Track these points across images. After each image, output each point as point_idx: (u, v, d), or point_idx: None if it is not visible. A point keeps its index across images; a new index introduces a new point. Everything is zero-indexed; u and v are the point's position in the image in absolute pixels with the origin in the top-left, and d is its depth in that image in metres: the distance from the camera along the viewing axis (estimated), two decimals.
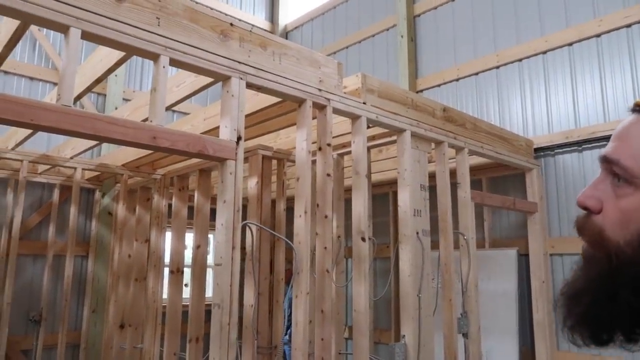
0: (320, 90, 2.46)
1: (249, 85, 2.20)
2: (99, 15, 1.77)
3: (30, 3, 1.62)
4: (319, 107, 2.49)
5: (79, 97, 2.63)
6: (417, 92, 5.03)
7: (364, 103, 2.68)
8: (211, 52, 2.06)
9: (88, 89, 2.53)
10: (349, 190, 2.97)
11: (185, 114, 5.36)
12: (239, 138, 2.10)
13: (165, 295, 4.22)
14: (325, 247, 2.40)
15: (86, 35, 1.76)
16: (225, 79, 2.12)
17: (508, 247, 4.16)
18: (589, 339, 0.57)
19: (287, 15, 7.26)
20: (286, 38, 7.15)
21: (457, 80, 4.78)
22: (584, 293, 0.57)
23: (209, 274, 4.56)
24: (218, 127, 2.18)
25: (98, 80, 2.43)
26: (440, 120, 3.18)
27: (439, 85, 4.93)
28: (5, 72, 4.81)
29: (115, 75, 5.37)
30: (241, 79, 2.15)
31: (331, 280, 2.38)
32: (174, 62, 1.97)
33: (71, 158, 4.21)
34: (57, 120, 1.64)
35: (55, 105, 1.66)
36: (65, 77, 1.70)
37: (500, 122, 4.40)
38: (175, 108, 5.75)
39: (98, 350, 4.88)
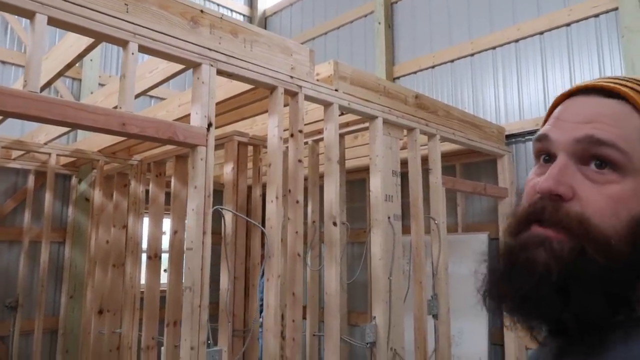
0: (292, 77, 2.50)
1: (220, 72, 2.22)
2: (66, 1, 1.77)
3: None
4: (291, 94, 2.53)
5: (50, 83, 2.61)
6: (393, 79, 5.08)
7: (336, 90, 2.72)
8: (181, 39, 2.08)
9: (59, 74, 2.52)
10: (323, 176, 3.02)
11: (163, 99, 5.33)
12: (209, 125, 2.13)
13: (143, 281, 4.24)
14: (297, 232, 2.46)
15: (53, 21, 1.76)
16: (196, 65, 2.14)
17: (480, 231, 4.28)
18: (531, 326, 0.56)
19: (266, 0, 7.22)
20: (265, 23, 7.12)
21: (433, 67, 4.84)
22: (562, 282, 0.53)
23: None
24: None
25: (69, 65, 2.42)
26: (413, 107, 3.24)
27: (415, 72, 4.98)
28: None
29: (91, 60, 5.30)
30: (212, 65, 2.17)
31: (302, 264, 2.43)
32: (143, 49, 1.98)
33: (45, 144, 4.18)
34: (25, 107, 1.65)
35: (22, 91, 1.67)
36: (32, 64, 1.71)
37: (474, 109, 4.48)
38: (153, 93, 5.72)
39: (77, 336, 4.89)
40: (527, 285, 0.53)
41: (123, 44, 1.94)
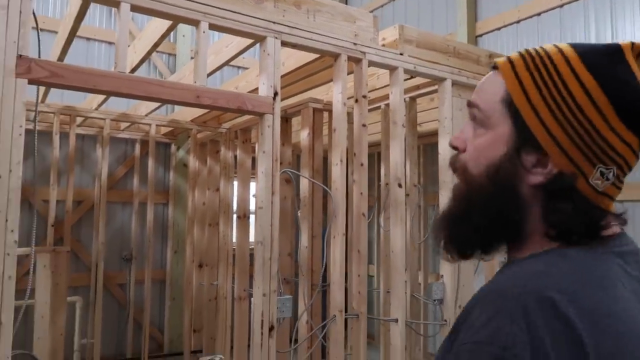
0: (355, 44, 2.57)
1: (284, 44, 2.36)
2: None
3: None
4: (355, 61, 2.61)
5: (142, 60, 2.93)
6: (475, 37, 4.89)
7: (401, 54, 2.75)
8: (247, 15, 2.24)
9: (148, 53, 2.82)
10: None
11: (247, 69, 5.62)
12: (275, 94, 2.30)
13: (234, 239, 4.65)
14: (362, 193, 2.58)
15: (135, 8, 2.01)
16: (261, 39, 2.30)
17: None
18: (456, 254, 0.70)
19: None
20: None
21: (518, 22, 4.58)
22: (450, 218, 0.71)
23: None
24: None
25: (155, 45, 2.71)
26: (485, 68, 3.16)
27: (498, 29, 4.74)
28: (87, 39, 5.31)
29: (183, 36, 5.72)
30: (276, 38, 2.32)
31: (366, 223, 2.57)
32: (213, 27, 2.18)
33: (146, 115, 4.66)
34: (115, 85, 1.94)
35: (113, 72, 1.95)
36: (120, 47, 1.97)
37: None
38: (240, 64, 6.05)
39: (181, 286, 5.51)
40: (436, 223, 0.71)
41: (195, 23, 2.15)
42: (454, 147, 0.72)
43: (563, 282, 0.57)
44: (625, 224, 0.67)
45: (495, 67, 0.70)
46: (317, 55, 2.76)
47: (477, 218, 0.67)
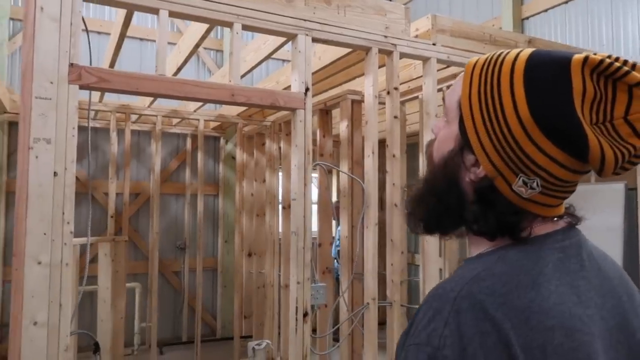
0: (386, 37, 2.61)
1: (315, 40, 2.44)
2: None
3: None
4: (386, 53, 2.64)
5: (186, 61, 3.10)
6: (522, 19, 4.74)
7: (434, 44, 2.75)
8: (278, 14, 2.33)
9: (190, 54, 2.98)
10: None
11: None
12: (306, 89, 2.38)
13: (280, 228, 4.81)
14: (394, 184, 2.63)
15: (173, 14, 2.14)
16: (292, 37, 2.39)
17: (616, 180, 3.93)
18: (419, 230, 0.76)
19: None
20: None
21: (566, 2, 4.40)
22: (414, 198, 0.77)
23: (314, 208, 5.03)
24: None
25: (197, 46, 2.86)
26: None
27: (545, 10, 4.58)
28: (140, 39, 5.60)
29: (237, 33, 5.89)
30: (307, 35, 2.39)
31: (399, 213, 2.61)
32: (246, 27, 2.29)
33: (194, 111, 4.88)
34: (156, 87, 2.09)
35: (154, 75, 2.10)
36: (159, 51, 2.12)
37: (613, 48, 4.01)
38: (284, 57, 6.17)
39: (231, 274, 5.75)
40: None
41: (229, 25, 2.26)
42: (434, 134, 0.79)
43: (497, 285, 0.61)
44: (577, 220, 0.71)
45: None
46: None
47: (429, 203, 0.74)
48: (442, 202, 0.72)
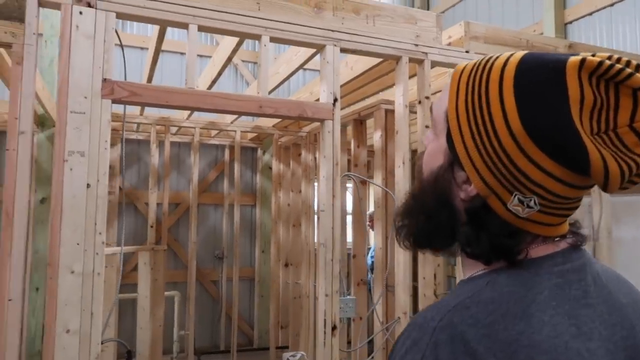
0: (416, 45, 2.56)
1: (344, 50, 2.42)
2: (210, 10, 2.17)
3: (160, 10, 2.10)
4: (417, 62, 2.60)
5: (219, 74, 3.16)
6: (565, 24, 4.57)
7: (467, 52, 2.68)
8: (306, 26, 2.34)
9: (224, 67, 3.03)
10: None
11: None
12: (335, 100, 2.37)
13: (316, 239, 4.79)
14: None
15: (202, 28, 2.19)
16: (321, 47, 2.38)
17: None
18: (407, 245, 0.70)
19: None
20: None
21: (612, 5, 4.20)
22: (402, 211, 0.72)
23: (349, 219, 4.99)
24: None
25: (229, 59, 2.90)
26: None
27: (590, 14, 4.39)
28: (181, 53, 5.76)
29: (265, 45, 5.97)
30: (335, 45, 2.38)
31: None
32: (273, 39, 2.30)
33: (231, 122, 4.96)
34: (185, 100, 2.13)
35: (183, 88, 2.14)
36: (189, 65, 2.16)
37: None
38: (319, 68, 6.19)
39: (268, 284, 5.77)
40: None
41: (257, 37, 2.28)
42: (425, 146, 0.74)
43: (481, 314, 0.56)
44: (582, 240, 0.64)
45: None
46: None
47: (418, 219, 0.68)
48: (431, 220, 0.66)
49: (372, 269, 4.87)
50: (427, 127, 2.60)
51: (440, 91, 3.47)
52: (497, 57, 0.62)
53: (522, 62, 0.58)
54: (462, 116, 0.61)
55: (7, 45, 1.91)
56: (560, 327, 0.55)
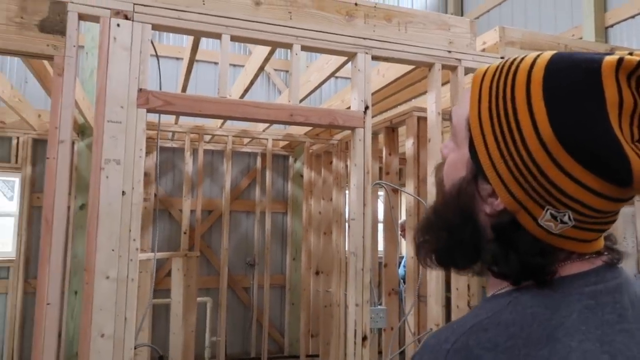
0: (450, 52, 2.52)
1: (375, 58, 2.41)
2: (242, 20, 2.20)
3: (193, 21, 2.14)
4: (450, 69, 2.56)
5: (251, 83, 3.19)
6: (605, 28, 4.42)
7: (502, 58, 2.62)
8: (337, 34, 2.34)
9: (255, 76, 3.06)
10: None
11: None
12: (366, 108, 2.35)
13: (346, 247, 4.76)
14: None
15: (234, 38, 2.21)
16: (352, 55, 2.38)
17: None
18: (429, 264, 0.66)
19: None
20: None
21: None
22: (423, 227, 0.67)
23: (380, 228, 4.94)
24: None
25: (261, 68, 2.93)
26: None
27: (632, 17, 4.24)
28: (215, 63, 5.86)
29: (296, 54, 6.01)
30: (366, 53, 2.37)
31: None
32: (305, 48, 2.31)
33: (263, 131, 5.00)
34: (217, 109, 2.15)
35: (216, 97, 2.16)
36: (221, 74, 2.19)
37: None
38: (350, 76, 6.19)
39: (299, 292, 5.77)
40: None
41: (289, 46, 2.29)
42: (443, 156, 0.68)
43: (500, 337, 0.51)
44: (619, 257, 0.58)
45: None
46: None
47: (440, 236, 0.63)
48: (454, 236, 0.61)
49: (404, 279, 4.80)
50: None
51: None
52: (523, 59, 0.57)
53: (551, 62, 0.53)
54: (486, 124, 0.57)
55: (49, 58, 1.98)
56: (591, 354, 0.49)
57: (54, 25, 1.99)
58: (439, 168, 0.68)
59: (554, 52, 0.55)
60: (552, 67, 0.53)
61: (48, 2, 1.97)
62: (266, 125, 4.78)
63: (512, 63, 0.57)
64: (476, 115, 0.58)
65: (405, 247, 3.61)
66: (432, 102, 2.51)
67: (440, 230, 0.63)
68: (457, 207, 0.61)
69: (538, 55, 0.55)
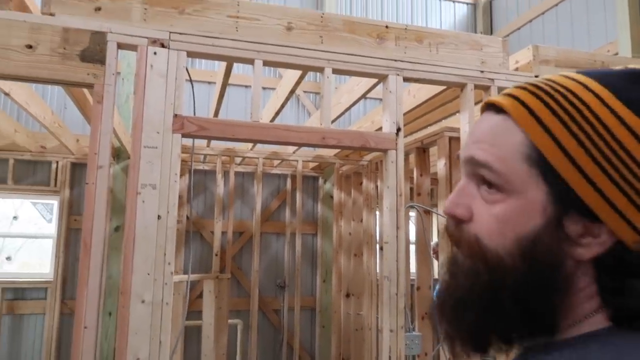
0: (482, 72, 2.50)
1: (407, 79, 2.40)
2: (275, 45, 2.23)
3: (227, 47, 2.18)
4: (483, 89, 2.52)
5: (282, 106, 3.22)
6: None
7: (536, 76, 2.57)
8: (368, 56, 2.34)
9: (287, 99, 3.09)
10: None
11: None
12: (398, 129, 2.34)
13: (377, 269, 4.70)
14: None
15: (267, 63, 2.25)
16: (383, 77, 2.38)
17: None
18: (472, 349, 0.56)
19: None
20: (490, 7, 6.84)
21: None
22: (466, 305, 0.55)
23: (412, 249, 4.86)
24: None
25: (292, 92, 2.96)
26: None
27: None
28: (245, 86, 5.97)
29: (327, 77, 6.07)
30: (398, 75, 2.37)
31: None
32: (336, 71, 2.32)
33: (293, 152, 5.03)
34: (250, 133, 2.18)
35: (248, 122, 2.19)
36: (254, 99, 2.22)
37: None
38: (380, 96, 6.20)
39: (329, 314, 5.70)
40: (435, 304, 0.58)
41: (320, 70, 2.31)
42: (454, 217, 0.57)
43: None
44: None
45: (492, 108, 0.57)
46: None
47: (506, 306, 0.52)
48: (531, 301, 0.51)
49: None
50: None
51: None
52: (554, 81, 0.54)
53: (594, 79, 0.52)
54: (575, 151, 0.50)
55: (90, 86, 2.05)
56: None
57: (94, 55, 2.06)
58: (459, 229, 0.57)
59: (581, 72, 0.54)
60: (602, 80, 0.51)
61: (89, 32, 2.05)
62: (296, 147, 4.81)
63: (549, 88, 0.53)
64: (554, 146, 0.51)
65: (438, 269, 3.53)
66: (465, 123, 2.48)
67: (509, 300, 0.52)
68: (533, 264, 0.51)
69: (565, 76, 0.54)
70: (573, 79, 0.53)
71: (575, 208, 0.50)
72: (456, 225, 0.57)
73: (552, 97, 0.52)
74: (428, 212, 3.93)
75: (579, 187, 0.50)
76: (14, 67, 1.91)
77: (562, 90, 0.52)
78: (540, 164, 0.52)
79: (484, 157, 0.54)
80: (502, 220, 0.53)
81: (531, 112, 0.52)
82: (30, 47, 1.95)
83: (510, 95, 0.55)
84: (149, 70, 2.08)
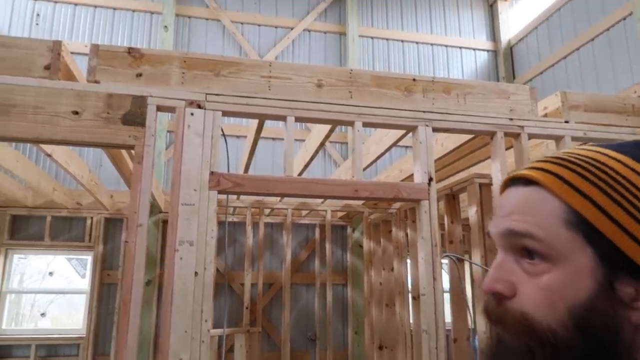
0: (511, 119, 2.51)
1: (436, 130, 2.43)
2: (306, 102, 2.30)
3: (260, 106, 2.26)
4: (513, 136, 2.53)
5: (311, 159, 3.28)
6: None
7: (566, 122, 2.57)
8: (397, 109, 2.39)
9: (316, 152, 3.15)
10: None
11: None
12: (430, 179, 2.34)
13: (411, 320, 4.58)
14: None
15: (299, 119, 2.31)
16: (412, 128, 2.41)
17: None
18: None
19: (509, 30, 7.05)
20: (511, 53, 6.94)
21: None
22: None
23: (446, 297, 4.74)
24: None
25: (321, 144, 3.02)
26: None
27: None
28: (273, 139, 6.11)
29: (358, 131, 6.18)
30: (427, 125, 2.40)
31: None
32: (366, 124, 2.37)
33: (322, 202, 5.06)
34: (284, 188, 2.21)
35: (282, 177, 2.23)
36: (287, 154, 2.27)
37: None
38: (407, 144, 6.24)
39: None
40: None
41: (350, 124, 2.36)
42: (495, 293, 0.55)
43: None
44: None
45: (518, 182, 0.58)
46: None
47: None
48: None
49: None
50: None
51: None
52: (583, 155, 0.56)
53: (622, 153, 0.55)
54: (620, 215, 0.51)
55: (131, 147, 2.13)
56: None
57: (135, 118, 2.16)
58: (502, 308, 0.54)
59: (603, 147, 0.57)
60: (630, 154, 0.54)
61: (130, 97, 2.16)
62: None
63: (581, 161, 0.55)
64: (597, 211, 0.52)
65: (476, 320, 3.42)
66: (496, 171, 2.47)
67: None
68: (589, 333, 0.50)
69: (594, 150, 0.56)
70: (593, 151, 0.56)
71: (624, 270, 0.50)
72: (498, 303, 0.55)
73: (580, 166, 0.54)
74: (462, 261, 3.85)
75: (625, 245, 0.50)
76: (62, 133, 2.01)
77: (587, 159, 0.55)
78: (581, 227, 0.51)
79: (523, 227, 0.54)
80: (550, 291, 0.51)
81: (564, 180, 0.53)
82: (76, 113, 2.06)
83: (535, 168, 0.57)
84: (187, 130, 2.17)
